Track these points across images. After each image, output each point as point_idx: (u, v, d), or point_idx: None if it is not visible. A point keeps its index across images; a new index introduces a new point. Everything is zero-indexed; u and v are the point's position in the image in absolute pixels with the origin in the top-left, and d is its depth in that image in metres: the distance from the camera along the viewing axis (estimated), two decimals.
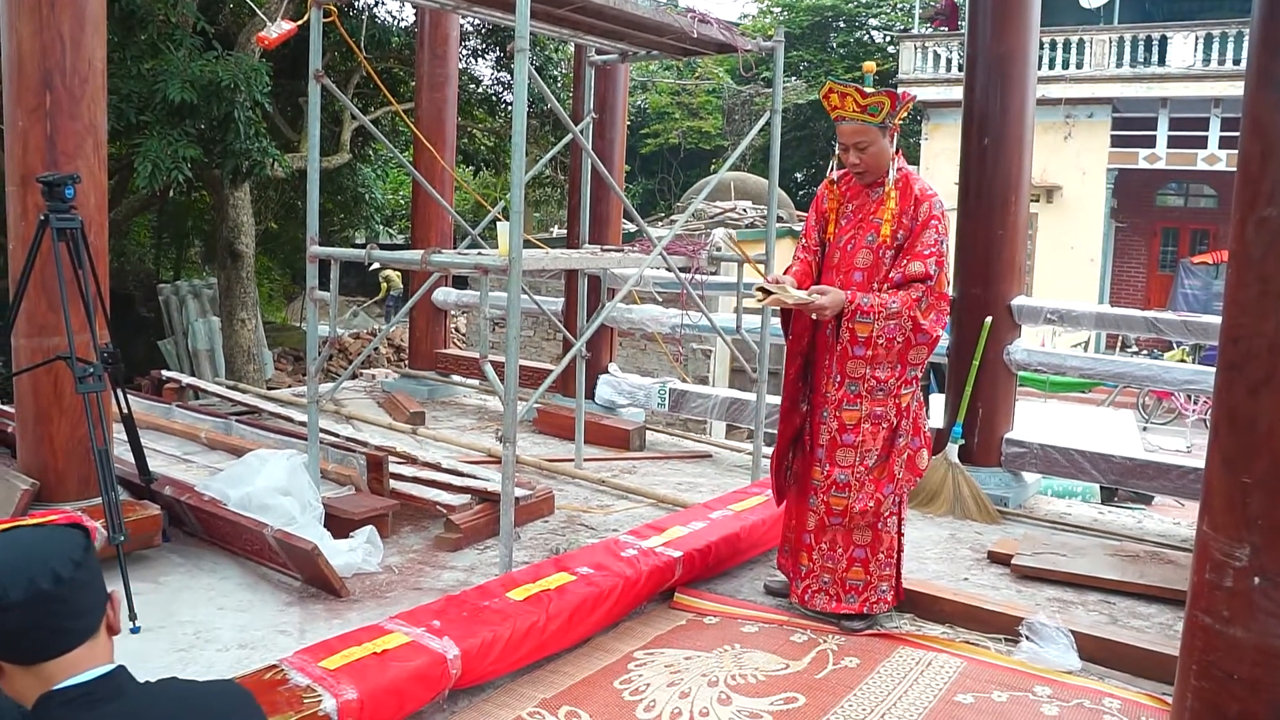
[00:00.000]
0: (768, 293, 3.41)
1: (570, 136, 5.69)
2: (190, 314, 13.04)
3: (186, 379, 6.89)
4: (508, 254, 3.77)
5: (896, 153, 3.53)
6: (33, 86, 4.04)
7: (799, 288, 3.60)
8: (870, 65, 3.65)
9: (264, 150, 8.47)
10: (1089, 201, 19.01)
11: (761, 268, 3.66)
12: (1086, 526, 4.94)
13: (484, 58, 14.08)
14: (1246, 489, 1.57)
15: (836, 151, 3.60)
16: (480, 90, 14.30)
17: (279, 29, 3.98)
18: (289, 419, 6.22)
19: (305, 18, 4.00)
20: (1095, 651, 3.35)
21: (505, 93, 14.30)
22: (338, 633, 3.26)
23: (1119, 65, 18.49)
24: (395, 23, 12.77)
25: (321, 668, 2.70)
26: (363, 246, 4.25)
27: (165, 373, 7.01)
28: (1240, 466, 1.58)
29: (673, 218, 14.18)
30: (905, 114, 3.51)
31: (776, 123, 4.98)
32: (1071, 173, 18.87)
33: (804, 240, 3.80)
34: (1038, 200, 18.82)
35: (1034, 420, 9.27)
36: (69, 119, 4.09)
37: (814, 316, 3.50)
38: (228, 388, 8.38)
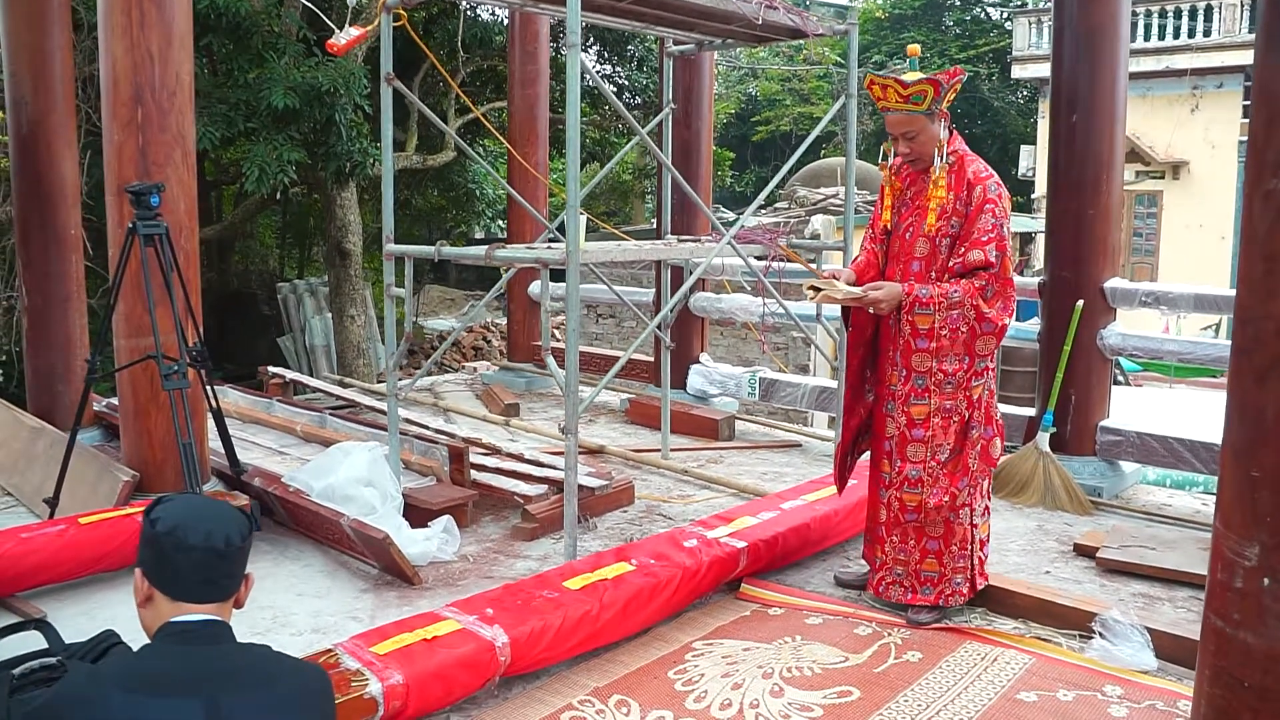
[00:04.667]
0: (818, 289, 3.36)
1: (653, 124, 5.72)
2: (307, 311, 13.55)
3: (290, 374, 7.17)
4: (581, 245, 3.83)
5: (951, 137, 3.43)
6: (125, 102, 4.26)
7: (862, 280, 3.55)
8: (914, 49, 3.56)
9: (365, 151, 8.73)
10: (1219, 177, 18.00)
11: (814, 264, 3.60)
12: (1186, 519, 4.72)
13: (585, 51, 14.18)
14: (1255, 483, 1.48)
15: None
16: (583, 85, 14.43)
17: (347, 35, 4.10)
18: (384, 413, 6.40)
19: (375, 22, 4.11)
20: (1173, 650, 3.20)
21: (605, 84, 14.38)
22: None
23: (1251, 30, 17.46)
24: (497, 21, 12.98)
25: (372, 652, 2.78)
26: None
27: (271, 369, 7.30)
28: (1249, 459, 1.49)
29: (776, 205, 14.05)
30: (954, 95, 3.41)
31: (852, 107, 4.90)
32: (1199, 147, 17.92)
33: (870, 230, 3.74)
34: (1163, 177, 17.97)
35: (1155, 407, 8.87)
36: (159, 131, 4.29)
37: (871, 311, 3.44)
38: (334, 383, 8.69)
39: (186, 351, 4.14)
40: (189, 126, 4.45)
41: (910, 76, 3.34)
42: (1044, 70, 18.82)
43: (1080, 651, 3.29)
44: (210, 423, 4.54)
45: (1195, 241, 17.89)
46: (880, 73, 3.38)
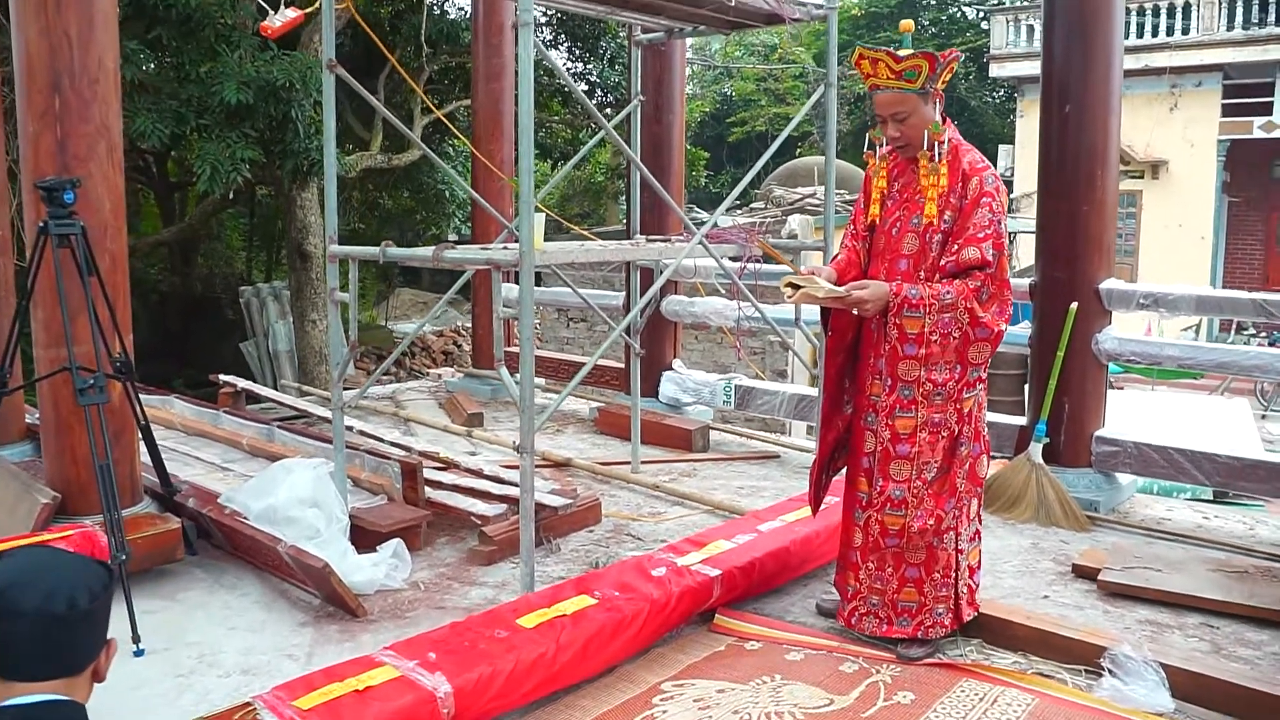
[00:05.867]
0: (796, 287, 3.05)
1: (620, 117, 5.40)
2: (270, 316, 13.13)
3: (242, 383, 6.80)
4: (538, 246, 3.53)
5: (945, 122, 3.12)
6: (41, 90, 3.88)
7: (843, 280, 3.24)
8: (907, 24, 3.24)
9: (323, 149, 8.36)
10: (1198, 176, 17.86)
11: (795, 261, 3.29)
12: (1188, 534, 4.44)
13: (556, 48, 13.84)
14: None
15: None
16: (553, 82, 14.09)
17: (283, 17, 3.76)
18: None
19: (314, 6, 3.77)
20: (1191, 689, 2.90)
21: (577, 83, 14.03)
22: (349, 656, 3.04)
23: (1230, 28, 17.31)
24: (464, 17, 12.63)
25: (295, 707, 2.45)
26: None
27: (222, 377, 6.92)
28: None
29: (752, 205, 13.76)
30: (949, 76, 3.11)
31: (832, 96, 4.61)
32: (1179, 146, 17.77)
33: (851, 226, 3.43)
34: (1142, 177, 17.82)
35: (1138, 411, 8.63)
36: (79, 121, 3.92)
37: (855, 312, 3.13)
38: (294, 391, 8.31)
39: (110, 362, 3.79)
40: (114, 118, 4.08)
41: (903, 52, 3.03)
42: (1022, 68, 18.68)
43: (1088, 690, 2.99)
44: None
45: (1175, 241, 17.74)
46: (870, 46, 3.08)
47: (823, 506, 3.63)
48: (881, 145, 3.29)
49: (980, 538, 3.40)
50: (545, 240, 4.09)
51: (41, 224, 3.54)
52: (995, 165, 20.69)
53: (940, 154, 3.09)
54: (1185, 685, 2.91)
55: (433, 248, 3.63)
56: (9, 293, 5.38)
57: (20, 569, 1.56)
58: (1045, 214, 4.86)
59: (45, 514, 3.98)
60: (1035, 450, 4.80)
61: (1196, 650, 3.29)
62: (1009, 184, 19.16)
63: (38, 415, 5.42)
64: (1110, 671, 2.96)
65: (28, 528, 3.95)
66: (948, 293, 3.03)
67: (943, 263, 3.09)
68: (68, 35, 3.88)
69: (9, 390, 3.86)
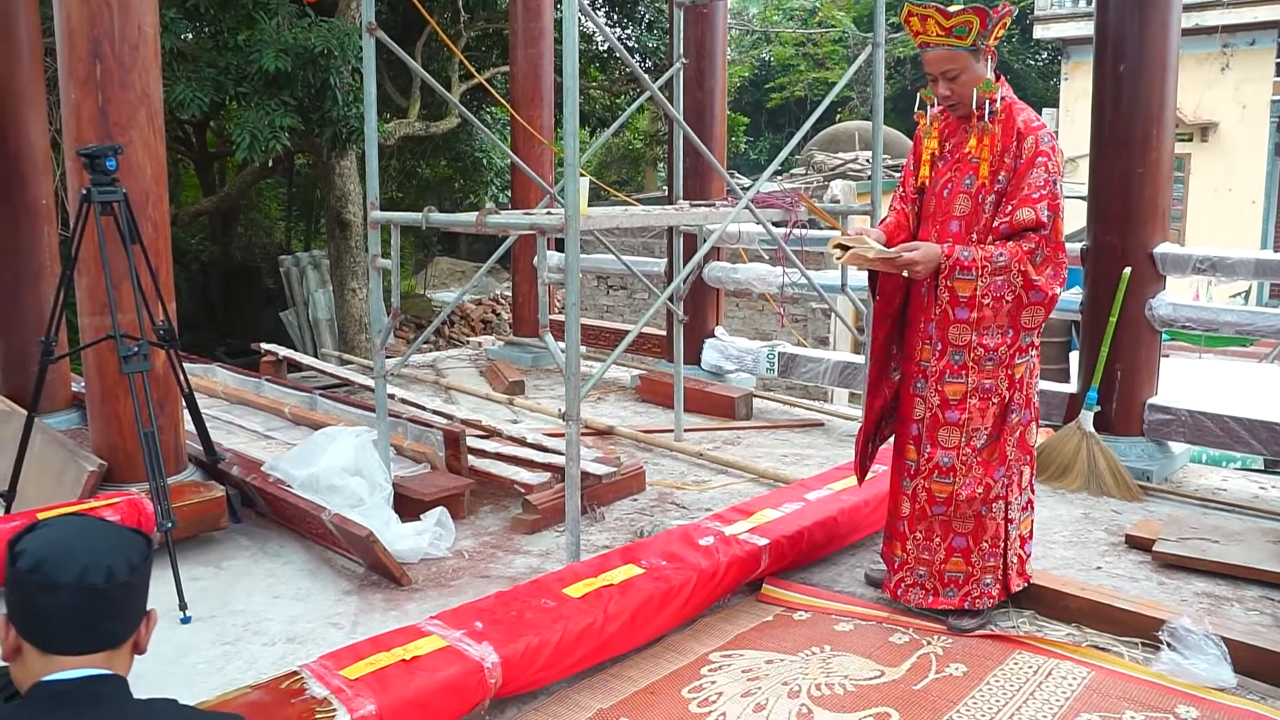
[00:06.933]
0: (846, 248, 2.97)
1: (663, 79, 5.31)
2: (310, 284, 13.18)
3: (284, 351, 6.82)
4: (584, 211, 3.48)
5: (998, 80, 3.02)
6: (82, 57, 3.87)
7: (892, 243, 3.16)
8: None
9: (361, 116, 8.33)
10: (1250, 138, 17.35)
11: (842, 225, 3.21)
12: (1245, 505, 4.34)
13: (595, 12, 13.70)
14: None
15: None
16: (591, 48, 13.95)
17: None
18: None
19: None
20: (1254, 664, 2.82)
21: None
22: (394, 625, 3.04)
23: None
24: None
25: (342, 676, 2.44)
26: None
27: (264, 345, 6.95)
28: None
29: (793, 171, 13.60)
30: (1001, 33, 3.00)
31: (879, 57, 4.49)
32: (1229, 107, 17.27)
33: (901, 188, 3.34)
34: (1190, 139, 17.35)
35: (1185, 379, 8.44)
36: (120, 89, 3.91)
37: (906, 275, 3.05)
38: (334, 360, 8.34)
39: (154, 330, 3.79)
40: (155, 85, 4.07)
41: (953, 8, 2.94)
42: (1067, 29, 18.22)
43: (1146, 664, 2.91)
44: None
45: (1225, 205, 17.29)
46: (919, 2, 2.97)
47: (869, 475, 3.57)
48: (932, 105, 3.20)
49: (1033, 507, 3.33)
50: (587, 206, 4.03)
51: (84, 192, 3.53)
52: None
53: (992, 112, 2.99)
54: (1248, 659, 2.83)
55: (476, 213, 3.59)
56: (54, 261, 5.42)
57: (57, 541, 1.50)
58: (1098, 176, 4.73)
59: (92, 482, 4.01)
60: (1086, 418, 4.70)
61: (1258, 624, 3.20)
62: None
63: (83, 383, 5.49)
64: (1169, 645, 2.88)
65: (75, 495, 3.98)
66: (1001, 255, 2.94)
67: (996, 224, 3.00)
68: (108, 1, 3.86)
69: (55, 358, 3.87)
